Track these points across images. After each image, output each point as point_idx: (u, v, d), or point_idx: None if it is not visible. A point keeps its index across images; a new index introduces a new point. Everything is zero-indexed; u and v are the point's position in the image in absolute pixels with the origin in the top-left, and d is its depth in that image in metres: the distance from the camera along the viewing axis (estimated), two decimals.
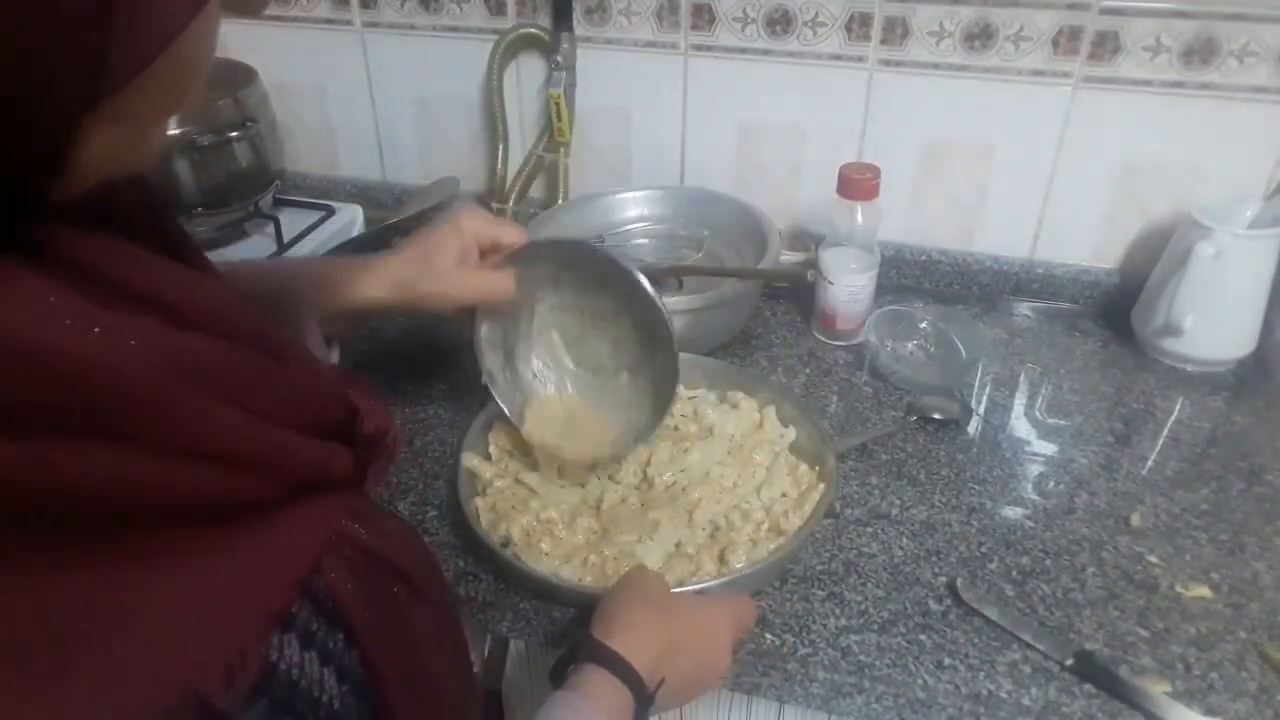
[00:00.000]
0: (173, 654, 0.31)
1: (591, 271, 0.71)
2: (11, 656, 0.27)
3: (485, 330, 0.74)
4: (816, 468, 0.74)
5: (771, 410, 0.79)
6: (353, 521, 0.41)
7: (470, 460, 0.75)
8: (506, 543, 0.68)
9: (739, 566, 0.65)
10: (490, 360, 0.75)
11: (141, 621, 0.30)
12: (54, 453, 0.27)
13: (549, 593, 0.67)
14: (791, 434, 0.78)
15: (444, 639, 0.48)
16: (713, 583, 0.63)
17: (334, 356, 0.71)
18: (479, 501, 0.72)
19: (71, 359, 0.27)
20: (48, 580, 0.28)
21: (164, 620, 0.31)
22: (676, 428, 0.79)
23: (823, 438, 0.75)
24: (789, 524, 0.68)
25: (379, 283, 0.66)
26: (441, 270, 0.67)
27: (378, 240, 1.06)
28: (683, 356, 0.71)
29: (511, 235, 0.70)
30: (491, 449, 0.78)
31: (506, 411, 0.76)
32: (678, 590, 0.61)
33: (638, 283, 0.68)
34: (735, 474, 0.74)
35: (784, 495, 0.72)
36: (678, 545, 0.69)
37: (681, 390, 0.82)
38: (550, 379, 0.78)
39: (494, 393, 0.76)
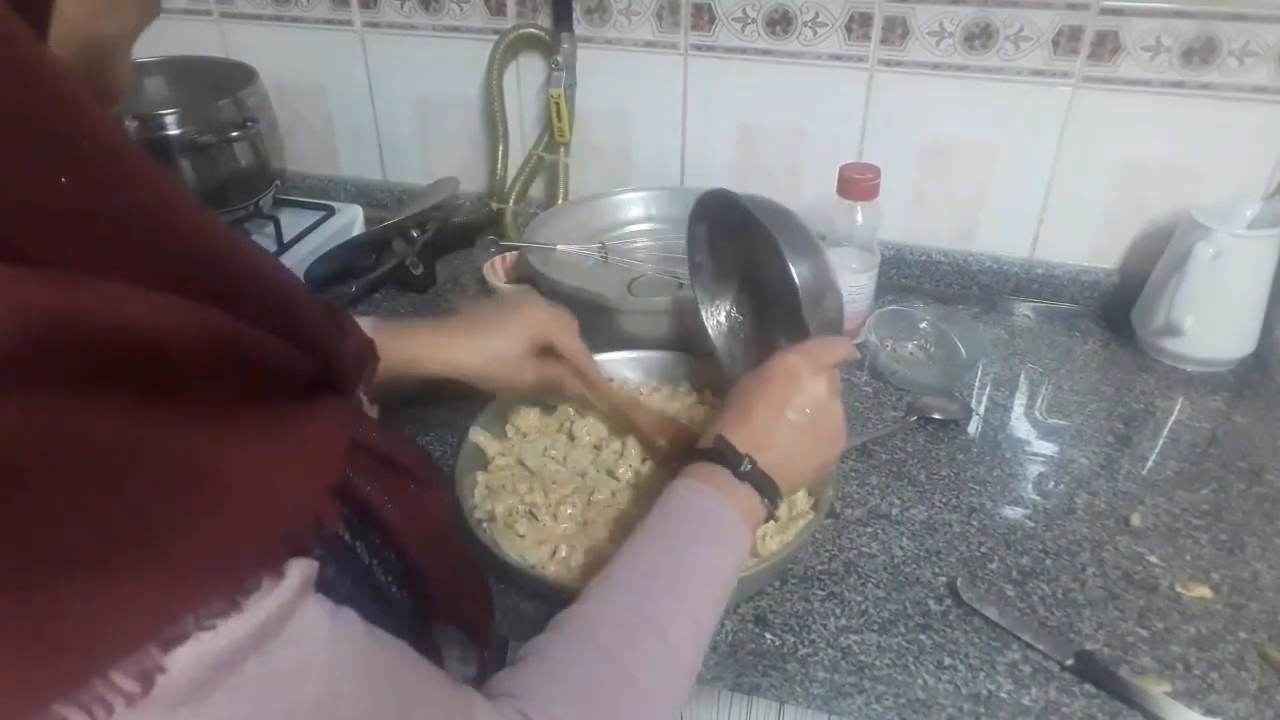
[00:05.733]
0: (266, 512, 0.32)
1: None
2: (110, 528, 0.27)
3: (705, 230, 0.77)
4: (813, 498, 0.71)
5: None
6: (360, 428, 0.43)
7: (478, 435, 0.75)
8: (490, 519, 0.69)
9: None
10: (702, 255, 0.79)
11: (232, 484, 0.31)
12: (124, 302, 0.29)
13: (513, 576, 0.66)
14: None
15: (453, 526, 0.53)
16: None
17: (373, 412, 0.72)
18: (480, 476, 0.73)
19: None
20: (141, 447, 0.28)
21: (251, 482, 0.32)
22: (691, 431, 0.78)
23: None
24: (764, 548, 0.65)
25: (442, 363, 0.71)
26: (505, 364, 0.73)
27: (378, 240, 1.06)
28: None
29: (565, 339, 0.74)
30: (509, 428, 0.78)
31: (698, 298, 0.80)
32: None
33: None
34: None
35: (774, 519, 0.68)
36: None
37: (709, 395, 0.82)
38: (723, 343, 0.82)
39: (695, 282, 0.79)
